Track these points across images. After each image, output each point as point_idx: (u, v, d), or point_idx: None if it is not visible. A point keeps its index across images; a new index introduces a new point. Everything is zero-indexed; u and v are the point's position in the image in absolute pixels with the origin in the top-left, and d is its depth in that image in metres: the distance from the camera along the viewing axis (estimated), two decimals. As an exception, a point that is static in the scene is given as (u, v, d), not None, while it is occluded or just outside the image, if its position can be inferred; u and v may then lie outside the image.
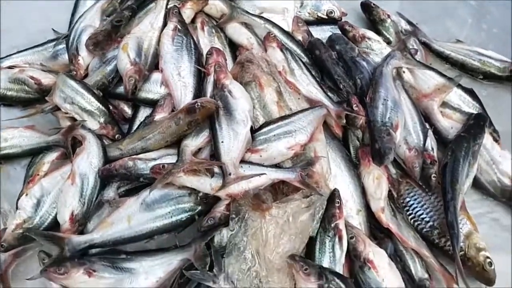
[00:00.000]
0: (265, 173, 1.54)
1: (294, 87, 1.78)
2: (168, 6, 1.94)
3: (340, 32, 2.06)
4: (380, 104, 1.71)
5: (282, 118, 1.67)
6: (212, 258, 1.51)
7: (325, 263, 1.54)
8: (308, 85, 1.78)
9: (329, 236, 1.56)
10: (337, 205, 1.57)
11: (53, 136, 1.77)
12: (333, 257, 1.55)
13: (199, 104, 1.60)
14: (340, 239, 1.55)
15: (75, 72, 1.86)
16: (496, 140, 1.83)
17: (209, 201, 1.59)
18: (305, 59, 1.93)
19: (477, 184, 1.81)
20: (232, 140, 1.57)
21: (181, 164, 1.54)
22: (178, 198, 1.58)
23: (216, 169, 1.56)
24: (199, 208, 1.59)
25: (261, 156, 1.60)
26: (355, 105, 1.74)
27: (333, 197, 1.59)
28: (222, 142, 1.58)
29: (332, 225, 1.56)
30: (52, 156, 1.77)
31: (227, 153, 1.55)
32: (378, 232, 1.68)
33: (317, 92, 1.76)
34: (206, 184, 1.54)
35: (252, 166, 1.58)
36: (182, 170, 1.52)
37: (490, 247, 1.66)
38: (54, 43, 2.00)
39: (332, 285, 1.46)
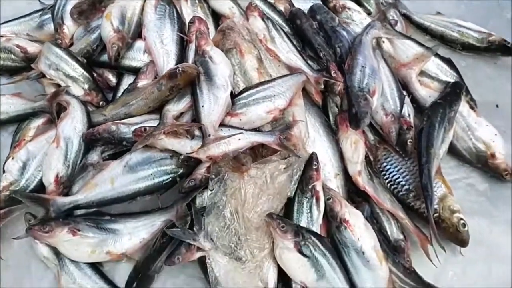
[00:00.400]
0: (242, 132, 1.58)
1: (274, 55, 1.82)
2: (152, -24, 1.97)
3: (321, 2, 2.10)
4: (357, 71, 1.75)
5: (262, 83, 1.71)
6: (193, 217, 1.56)
7: (303, 223, 1.58)
8: (288, 53, 1.82)
9: (306, 198, 1.60)
10: (314, 167, 1.61)
11: (38, 102, 1.81)
12: (310, 217, 1.60)
13: (180, 69, 1.64)
14: (318, 200, 1.60)
15: (60, 41, 1.90)
16: (472, 108, 1.87)
17: (190, 164, 1.63)
18: (286, 28, 1.97)
19: (453, 151, 1.85)
20: (212, 104, 1.61)
21: (162, 126, 1.58)
22: (160, 161, 1.62)
23: (197, 132, 1.60)
24: (181, 170, 1.63)
25: (240, 120, 1.64)
26: (334, 71, 1.78)
27: (311, 160, 1.63)
28: (202, 106, 1.62)
29: (310, 186, 1.60)
30: (38, 122, 1.81)
31: (207, 116, 1.59)
32: (356, 196, 1.73)
33: (296, 60, 1.80)
34: (186, 146, 1.58)
35: (232, 129, 1.61)
36: (163, 132, 1.56)
37: (465, 211, 1.71)
38: (40, 13, 2.04)
39: (309, 242, 1.52)
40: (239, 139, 1.59)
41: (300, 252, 1.51)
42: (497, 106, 2.01)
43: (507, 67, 2.09)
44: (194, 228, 1.53)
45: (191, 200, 1.63)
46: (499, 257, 1.72)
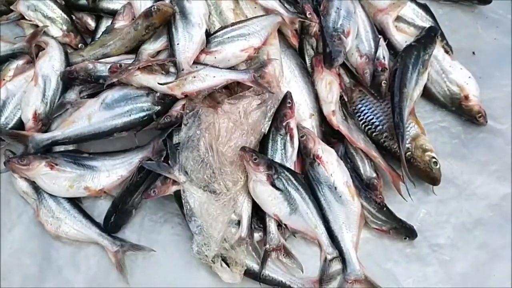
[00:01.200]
0: (212, 66, 1.62)
1: (251, -4, 1.83)
2: None
3: None
4: (333, 12, 1.76)
5: (237, 22, 1.73)
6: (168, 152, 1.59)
7: (277, 160, 1.62)
8: (264, -5, 1.84)
9: (280, 135, 1.63)
10: (288, 105, 1.64)
11: (18, 44, 1.82)
12: (284, 154, 1.63)
13: (155, 7, 1.66)
14: (292, 137, 1.64)
15: (40, -16, 1.90)
16: (447, 52, 1.89)
17: (166, 102, 1.65)
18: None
19: (428, 94, 1.87)
20: (187, 42, 1.63)
21: (137, 62, 1.61)
22: (136, 98, 1.65)
23: (172, 69, 1.62)
24: (157, 108, 1.65)
25: (215, 57, 1.66)
26: (309, 12, 1.80)
27: (285, 98, 1.65)
28: (177, 43, 1.63)
29: (284, 124, 1.63)
30: (17, 63, 1.81)
31: (182, 53, 1.61)
32: (331, 137, 1.76)
33: (272, 2, 1.82)
34: (161, 81, 1.60)
35: (206, 67, 1.63)
36: (137, 67, 1.58)
37: (438, 153, 1.75)
38: None
39: (281, 176, 1.56)
40: (214, 76, 1.61)
41: (273, 185, 1.56)
42: (473, 53, 2.02)
43: (483, 15, 2.10)
44: (169, 162, 1.56)
45: (167, 137, 1.65)
46: (470, 195, 1.78)
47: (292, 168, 1.64)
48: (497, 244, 1.70)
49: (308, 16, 1.78)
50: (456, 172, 1.81)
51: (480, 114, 1.83)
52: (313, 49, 1.84)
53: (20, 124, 1.71)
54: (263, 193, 1.56)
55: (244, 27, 1.70)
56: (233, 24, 1.73)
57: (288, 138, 1.63)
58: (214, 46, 1.67)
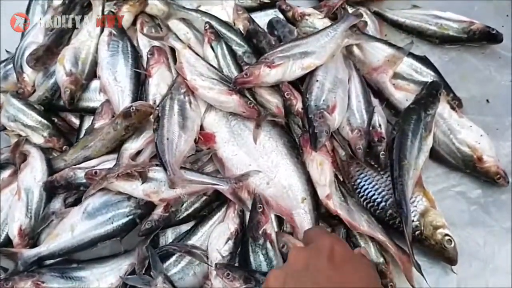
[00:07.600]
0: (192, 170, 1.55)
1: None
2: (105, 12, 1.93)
3: (281, 15, 1.97)
4: (315, 88, 1.63)
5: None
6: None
7: (264, 269, 1.50)
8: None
9: (259, 245, 1.52)
10: (259, 210, 1.53)
11: (3, 154, 1.82)
12: (270, 263, 1.51)
13: (133, 108, 1.61)
14: (271, 242, 1.52)
15: (22, 90, 1.89)
16: (453, 108, 1.71)
17: (148, 204, 1.59)
18: (245, 47, 1.86)
19: (437, 158, 1.70)
20: (179, 140, 1.57)
21: (116, 169, 1.55)
22: (117, 204, 1.59)
23: (149, 174, 1.56)
24: (140, 211, 1.59)
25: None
26: (287, 92, 1.66)
27: (255, 204, 1.55)
28: (167, 139, 1.56)
29: (260, 232, 1.52)
30: (4, 174, 1.80)
31: (171, 154, 1.53)
32: (331, 219, 1.61)
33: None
34: (138, 189, 1.55)
35: (188, 171, 1.56)
36: (116, 175, 1.53)
37: (456, 223, 1.60)
38: (4, 63, 2.04)
39: None
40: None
41: None
42: (487, 101, 1.82)
43: (496, 55, 1.88)
44: (151, 273, 1.48)
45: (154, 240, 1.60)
46: (495, 270, 1.57)
47: (281, 262, 1.50)
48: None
49: (287, 96, 1.66)
50: (478, 243, 1.61)
51: (498, 176, 1.63)
52: (299, 127, 1.69)
53: (9, 240, 1.67)
54: (249, 310, 1.43)
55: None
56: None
57: (268, 245, 1.52)
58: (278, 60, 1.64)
